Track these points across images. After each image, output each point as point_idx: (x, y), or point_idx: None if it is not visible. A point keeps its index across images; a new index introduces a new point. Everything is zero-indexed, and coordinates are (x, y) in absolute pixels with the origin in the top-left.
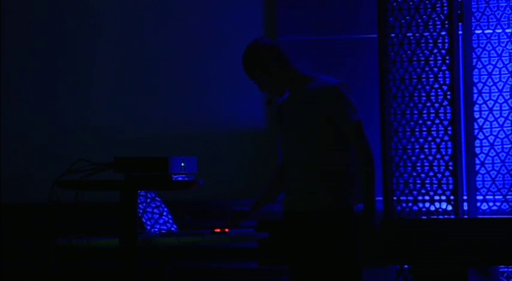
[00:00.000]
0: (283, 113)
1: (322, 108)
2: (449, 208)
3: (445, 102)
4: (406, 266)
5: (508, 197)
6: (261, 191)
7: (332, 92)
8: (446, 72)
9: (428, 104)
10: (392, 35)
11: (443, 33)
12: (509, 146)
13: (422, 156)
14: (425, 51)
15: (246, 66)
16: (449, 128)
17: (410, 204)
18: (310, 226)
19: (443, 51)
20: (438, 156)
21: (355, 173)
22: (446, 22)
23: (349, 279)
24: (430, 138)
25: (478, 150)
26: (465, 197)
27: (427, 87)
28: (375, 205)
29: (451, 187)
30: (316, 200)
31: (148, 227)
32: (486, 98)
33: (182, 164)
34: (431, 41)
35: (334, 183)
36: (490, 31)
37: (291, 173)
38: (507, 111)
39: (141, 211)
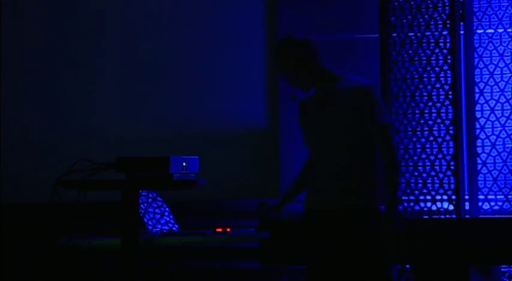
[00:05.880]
0: (309, 111)
1: (352, 108)
2: (451, 207)
3: (447, 102)
4: (407, 265)
5: (509, 196)
6: (292, 184)
7: (363, 92)
8: (448, 72)
9: (430, 103)
10: (394, 34)
11: (444, 32)
12: (511, 145)
13: (424, 156)
14: (427, 51)
15: (281, 59)
16: (451, 128)
17: (412, 204)
18: (340, 225)
19: (444, 50)
20: (440, 156)
21: (380, 175)
22: (448, 22)
23: (379, 278)
24: (431, 138)
25: (479, 150)
26: (467, 197)
27: (429, 86)
28: (398, 207)
29: (452, 186)
30: (345, 200)
31: (150, 227)
32: (488, 98)
33: (184, 164)
34: (432, 40)
35: (362, 183)
36: (492, 31)
37: (319, 172)
38: (509, 111)
39: (142, 211)
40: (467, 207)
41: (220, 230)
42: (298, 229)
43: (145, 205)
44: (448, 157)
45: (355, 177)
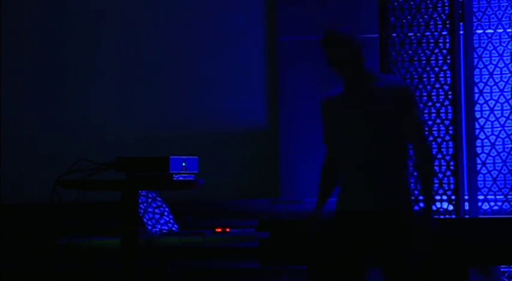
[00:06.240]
0: (339, 109)
1: (394, 107)
2: (451, 207)
3: (446, 102)
4: None
5: (509, 197)
6: (320, 188)
7: (406, 92)
8: (448, 72)
9: (430, 103)
10: (394, 34)
11: (444, 33)
12: (511, 145)
13: None
14: (427, 51)
15: (344, 43)
16: (451, 128)
17: None
18: (382, 224)
19: (444, 51)
20: (439, 156)
21: (409, 174)
22: (448, 22)
23: (414, 276)
24: (431, 138)
25: (479, 150)
26: (466, 197)
27: (428, 87)
28: (433, 208)
29: (452, 186)
30: (382, 200)
31: (150, 227)
32: (487, 98)
33: (183, 164)
34: (432, 40)
35: (398, 183)
36: (491, 31)
37: (353, 172)
38: (508, 111)
39: (142, 211)
40: (466, 207)
41: (219, 230)
42: (329, 229)
43: (145, 205)
44: (447, 157)
45: (392, 176)
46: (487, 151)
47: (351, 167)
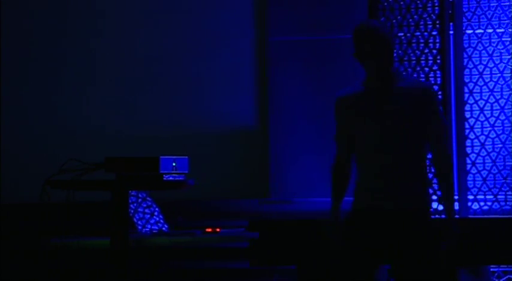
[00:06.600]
0: (359, 107)
1: (417, 106)
2: (441, 207)
3: None
4: None
5: (498, 196)
6: (334, 191)
7: (431, 93)
8: (438, 72)
9: None
10: None
11: (434, 33)
12: (500, 145)
13: None
14: (417, 51)
15: (382, 37)
16: None
17: None
18: (397, 226)
19: (434, 51)
20: (429, 156)
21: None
22: (438, 22)
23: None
24: None
25: (469, 150)
26: (456, 197)
27: None
28: (455, 210)
29: None
30: (403, 200)
31: (140, 227)
32: (477, 98)
33: (173, 164)
34: (422, 40)
35: (419, 184)
36: (481, 31)
37: (373, 171)
38: (498, 111)
39: (132, 211)
40: (456, 207)
41: (210, 230)
42: (346, 229)
43: (135, 205)
44: None
45: (411, 176)
46: (476, 151)
47: (369, 166)
